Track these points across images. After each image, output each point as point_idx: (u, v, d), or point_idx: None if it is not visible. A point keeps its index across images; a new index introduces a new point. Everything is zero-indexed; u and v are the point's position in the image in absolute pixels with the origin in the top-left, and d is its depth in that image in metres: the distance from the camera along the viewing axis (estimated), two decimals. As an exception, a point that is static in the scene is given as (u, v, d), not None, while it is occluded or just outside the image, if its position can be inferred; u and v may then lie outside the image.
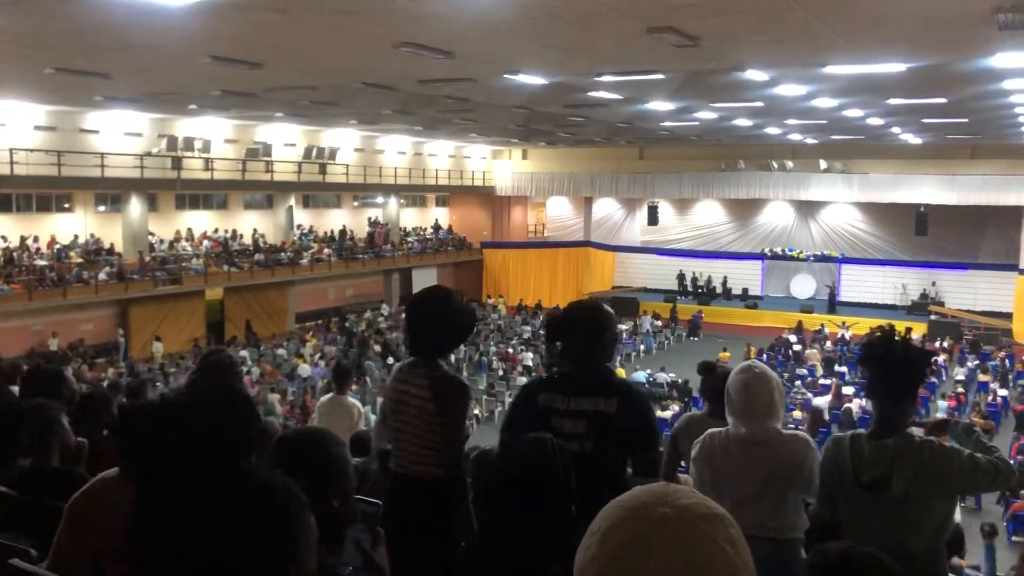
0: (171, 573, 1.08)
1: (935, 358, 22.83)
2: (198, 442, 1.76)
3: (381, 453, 3.84)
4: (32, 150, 21.09)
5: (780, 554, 3.20)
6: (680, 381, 22.36)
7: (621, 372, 23.91)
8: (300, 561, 1.15)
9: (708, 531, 1.05)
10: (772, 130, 25.61)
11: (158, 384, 17.34)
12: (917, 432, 3.16)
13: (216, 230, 28.30)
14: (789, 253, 35.38)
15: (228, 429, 1.88)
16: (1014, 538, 13.30)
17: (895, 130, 24.38)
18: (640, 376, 23.20)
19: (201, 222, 28.34)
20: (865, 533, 3.02)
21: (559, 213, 41.36)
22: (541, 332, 29.59)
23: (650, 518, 1.06)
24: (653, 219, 36.41)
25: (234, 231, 28.79)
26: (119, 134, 23.51)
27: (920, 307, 31.91)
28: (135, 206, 24.60)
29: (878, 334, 3.24)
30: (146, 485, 1.19)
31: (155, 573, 1.09)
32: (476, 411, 20.22)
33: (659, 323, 31.82)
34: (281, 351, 25.07)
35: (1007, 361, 25.76)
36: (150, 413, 2.00)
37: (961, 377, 23.48)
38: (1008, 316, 30.55)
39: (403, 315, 4.68)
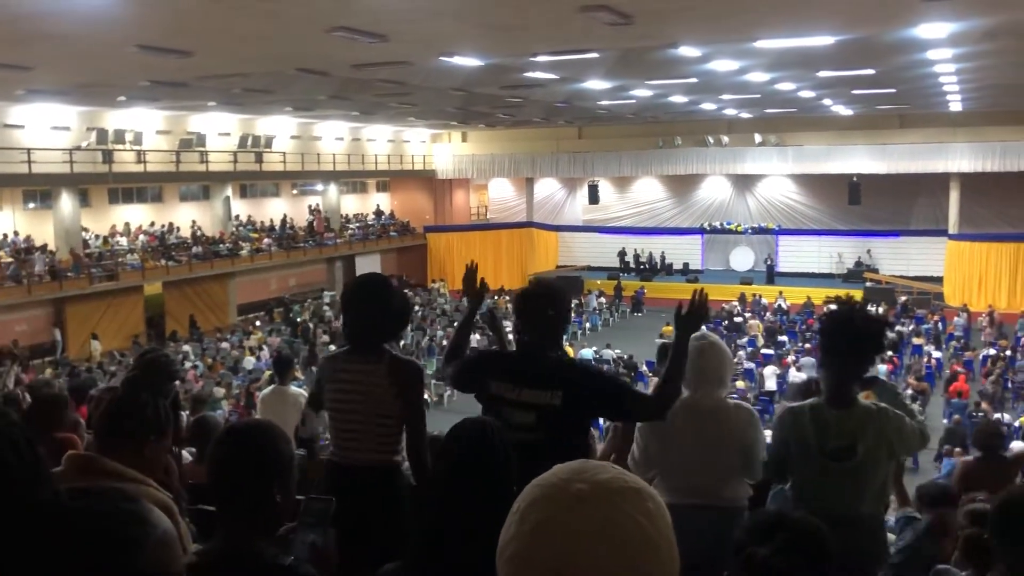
0: None
1: (895, 328, 23.42)
2: None
3: (307, 440, 3.80)
4: (-47, 147, 20.41)
5: (726, 522, 3.25)
6: (626, 356, 22.61)
7: (569, 351, 24.08)
8: None
9: (624, 505, 1.06)
10: (707, 106, 25.90)
11: (100, 383, 16.94)
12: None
13: (152, 224, 27.69)
14: (727, 227, 35.88)
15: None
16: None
17: (826, 102, 24.85)
18: (587, 353, 23.37)
19: (136, 216, 27.70)
20: (820, 499, 3.10)
21: (501, 195, 41.34)
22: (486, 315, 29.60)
23: (566, 495, 1.06)
24: (594, 198, 36.61)
25: (171, 224, 28.19)
26: (45, 128, 22.80)
27: (855, 275, 32.67)
28: (66, 202, 23.93)
29: (835, 307, 3.31)
30: None
31: None
32: (427, 396, 20.19)
33: (603, 300, 32.10)
34: (224, 344, 24.70)
35: (939, 324, 26.55)
36: None
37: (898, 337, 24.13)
38: (939, 280, 31.47)
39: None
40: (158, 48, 12.08)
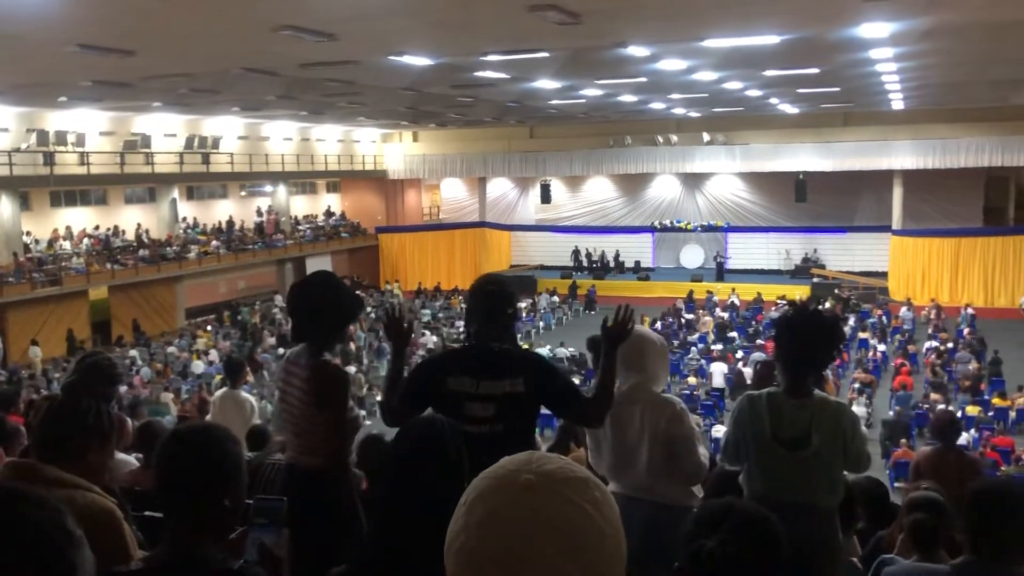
0: None
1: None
2: None
3: (279, 443, 3.78)
4: None
5: (661, 518, 3.26)
6: (579, 355, 22.73)
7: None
8: None
9: (571, 494, 1.06)
10: (656, 105, 26.13)
11: (42, 390, 16.55)
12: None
13: (96, 227, 27.08)
14: (677, 225, 36.23)
15: None
16: (896, 484, 14.07)
17: (773, 101, 25.22)
18: (542, 352, 23.48)
19: (80, 219, 27.08)
20: (771, 487, 3.14)
21: (453, 194, 41.25)
22: (440, 316, 29.58)
23: (513, 485, 1.07)
24: (546, 197, 36.74)
25: (116, 227, 27.61)
26: (-17, 130, 22.24)
27: (803, 271, 33.24)
28: (6, 205, 23.31)
29: (790, 308, 3.37)
30: None
31: None
32: (379, 398, 20.06)
33: (556, 299, 32.23)
34: (172, 348, 24.28)
35: (884, 318, 27.12)
36: None
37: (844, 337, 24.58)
38: (884, 275, 32.13)
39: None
40: (100, 47, 11.83)
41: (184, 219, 29.96)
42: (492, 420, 3.06)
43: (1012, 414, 17.85)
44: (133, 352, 23.07)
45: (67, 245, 25.45)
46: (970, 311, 27.10)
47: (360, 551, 2.12)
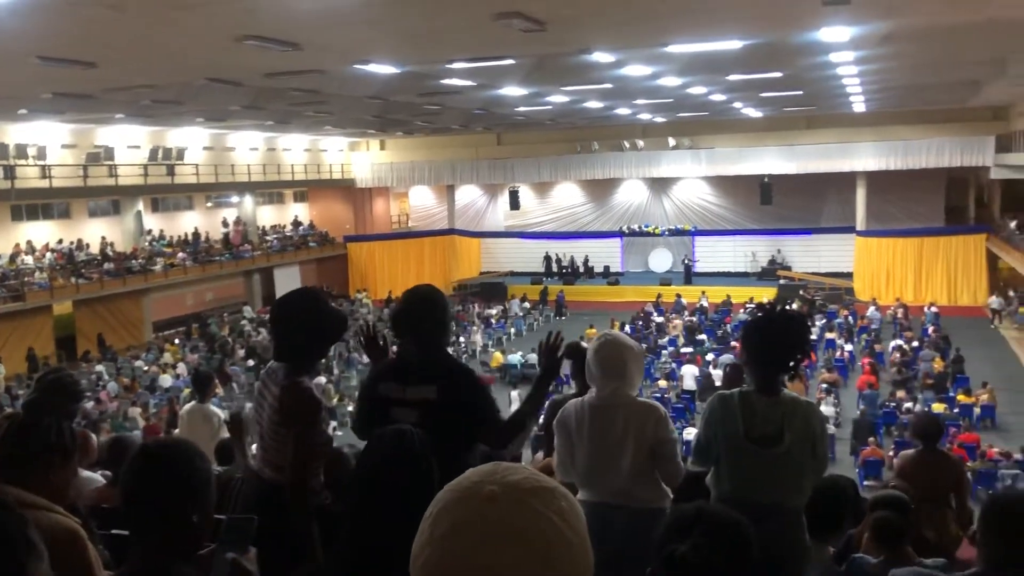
0: None
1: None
2: None
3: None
4: None
5: (638, 523, 3.25)
6: (541, 346, 22.69)
7: (499, 357, 24.14)
8: None
9: (537, 505, 1.06)
10: (622, 111, 26.28)
11: (7, 408, 16.26)
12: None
13: (60, 241, 26.68)
14: (645, 229, 36.47)
15: None
16: (866, 483, 14.24)
17: (737, 105, 25.47)
18: (514, 359, 23.48)
19: (42, 233, 26.65)
20: (742, 487, 3.15)
21: (422, 202, 41.18)
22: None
23: (477, 497, 1.06)
24: (515, 204, 36.81)
25: (79, 241, 27.23)
26: (-60, 144, 21.85)
27: (769, 273, 33.59)
28: (-35, 220, 22.94)
29: (758, 310, 3.40)
30: None
31: None
32: (351, 408, 19.92)
33: (527, 305, 32.27)
34: (139, 363, 23.97)
35: (851, 318, 27.44)
36: None
37: (812, 336, 24.82)
38: (849, 276, 32.55)
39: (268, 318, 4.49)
40: (60, 59, 11.68)
41: (149, 231, 29.62)
42: (416, 427, 3.05)
43: (977, 410, 18.14)
44: (100, 367, 22.76)
45: (29, 260, 25.04)
46: (934, 310, 27.50)
47: (324, 567, 2.10)
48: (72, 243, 26.87)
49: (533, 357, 23.14)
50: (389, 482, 2.03)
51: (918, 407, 17.35)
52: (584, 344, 4.03)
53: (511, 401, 18.94)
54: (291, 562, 2.91)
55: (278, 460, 3.29)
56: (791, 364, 3.22)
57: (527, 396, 3.39)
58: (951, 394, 19.00)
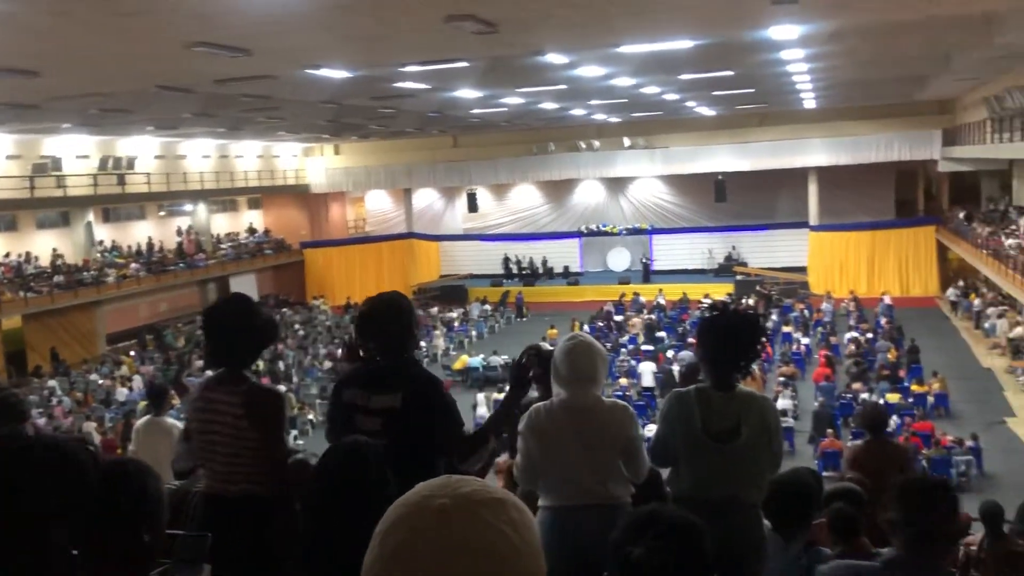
0: None
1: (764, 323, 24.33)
2: None
3: (180, 474, 3.64)
4: None
5: (610, 520, 3.26)
6: (512, 362, 22.71)
7: (464, 359, 24.06)
8: None
9: (488, 516, 1.05)
10: (577, 111, 26.40)
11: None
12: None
13: (7, 254, 26.09)
14: (603, 229, 36.67)
15: None
16: (825, 473, 14.44)
17: (690, 104, 25.72)
18: (475, 361, 23.43)
19: (-12, 247, 26.09)
20: (701, 483, 3.17)
21: (379, 207, 40.96)
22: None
23: (428, 510, 1.05)
24: (473, 206, 36.78)
25: (28, 253, 26.63)
26: None
27: (726, 269, 33.95)
28: (-93, 235, 22.32)
29: (711, 308, 3.42)
30: None
31: None
32: (311, 416, 19.77)
33: (487, 308, 32.23)
34: (94, 376, 23.52)
35: (806, 311, 27.83)
36: None
37: (768, 327, 25.15)
38: (804, 270, 33.02)
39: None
40: (1, 68, 11.43)
41: (101, 242, 29.09)
42: (380, 435, 3.02)
43: (930, 399, 18.48)
44: (52, 382, 22.27)
45: (-24, 274, 24.47)
46: (887, 301, 27.98)
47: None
48: (20, 256, 26.28)
49: (495, 359, 23.15)
50: (342, 494, 2.01)
51: (874, 397, 17.62)
52: (547, 346, 4.02)
53: (477, 404, 18.98)
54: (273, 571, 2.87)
55: (252, 471, 3.23)
56: (742, 364, 3.26)
57: (492, 413, 3.38)
58: (905, 384, 19.34)
